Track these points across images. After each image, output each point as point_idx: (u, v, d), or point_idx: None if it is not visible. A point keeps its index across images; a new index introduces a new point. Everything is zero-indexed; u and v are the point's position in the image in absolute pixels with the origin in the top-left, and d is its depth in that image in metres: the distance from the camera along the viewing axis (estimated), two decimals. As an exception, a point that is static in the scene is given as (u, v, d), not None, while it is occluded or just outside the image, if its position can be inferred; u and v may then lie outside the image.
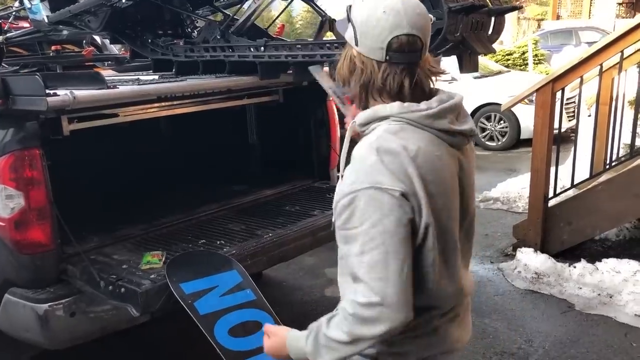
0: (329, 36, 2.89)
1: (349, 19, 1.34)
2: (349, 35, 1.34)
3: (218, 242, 2.62)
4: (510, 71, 10.70)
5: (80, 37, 4.24)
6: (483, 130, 8.82)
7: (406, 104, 1.32)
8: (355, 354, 1.31)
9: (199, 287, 2.22)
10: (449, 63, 2.43)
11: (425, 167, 1.28)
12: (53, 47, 4.00)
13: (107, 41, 4.36)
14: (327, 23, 2.87)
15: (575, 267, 4.01)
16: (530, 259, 4.20)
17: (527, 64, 13.16)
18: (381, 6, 1.29)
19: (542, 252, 4.25)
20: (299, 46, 2.46)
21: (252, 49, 2.63)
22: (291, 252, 2.72)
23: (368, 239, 1.23)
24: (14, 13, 3.55)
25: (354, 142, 1.45)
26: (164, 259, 2.40)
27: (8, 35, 3.43)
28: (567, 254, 4.30)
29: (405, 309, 1.24)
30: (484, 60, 10.98)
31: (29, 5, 3.24)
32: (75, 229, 2.50)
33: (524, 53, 13.53)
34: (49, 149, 2.45)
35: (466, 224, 1.46)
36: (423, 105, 1.32)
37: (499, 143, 8.68)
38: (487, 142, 8.79)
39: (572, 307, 3.70)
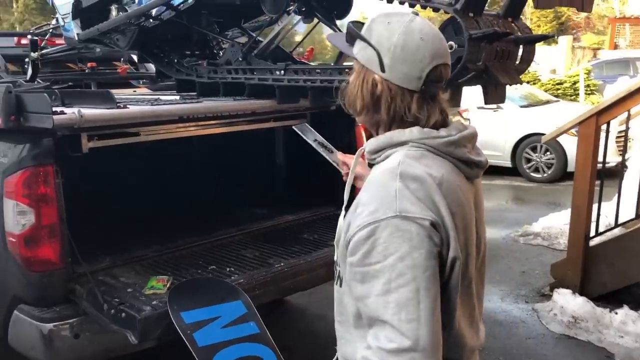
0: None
1: (363, 40, 1.22)
2: (367, 59, 1.22)
3: (228, 269, 2.54)
4: (559, 101, 10.37)
5: (116, 55, 4.30)
6: (528, 161, 8.53)
7: (425, 129, 1.21)
8: None
9: (200, 316, 2.15)
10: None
11: (450, 197, 1.17)
12: (89, 64, 4.07)
13: (142, 60, 4.40)
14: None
15: (617, 313, 3.74)
16: (568, 301, 3.95)
17: (578, 94, 12.74)
18: (416, 31, 1.18)
19: (581, 294, 3.99)
20: (319, 71, 2.38)
21: (272, 72, 2.56)
22: (304, 283, 2.61)
23: (395, 275, 1.10)
24: (50, 30, 3.63)
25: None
26: (168, 284, 2.34)
27: (44, 51, 3.50)
28: (609, 299, 4.02)
29: (439, 354, 1.11)
30: (532, 89, 10.70)
31: (62, 23, 3.30)
32: (90, 248, 2.48)
33: (575, 83, 13.12)
34: (66, 166, 2.44)
35: (478, 264, 1.31)
36: (443, 132, 1.22)
37: (545, 175, 8.36)
38: (532, 174, 8.49)
39: (612, 356, 3.44)
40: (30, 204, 2.34)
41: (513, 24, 1.98)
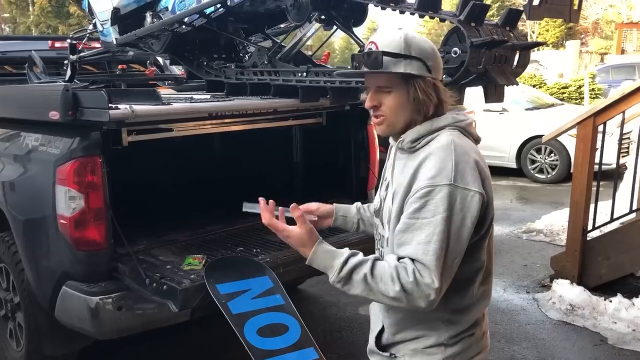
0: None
1: (406, 57, 1.46)
2: (417, 68, 1.47)
3: (254, 250, 2.81)
4: (564, 104, 10.59)
5: (144, 58, 4.60)
6: (533, 162, 8.76)
7: (454, 115, 1.52)
8: (381, 301, 1.43)
9: (233, 289, 2.41)
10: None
11: (484, 168, 1.48)
12: (120, 66, 4.37)
13: (167, 62, 4.70)
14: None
15: (611, 301, 3.99)
16: (566, 291, 4.20)
17: (583, 97, 12.95)
18: (424, 37, 1.53)
19: (579, 284, 4.25)
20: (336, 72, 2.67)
21: (295, 74, 2.85)
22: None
23: (438, 230, 1.37)
24: (88, 35, 3.93)
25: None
26: (203, 261, 2.62)
27: (81, 54, 3.79)
28: (605, 288, 4.27)
29: (438, 298, 1.39)
30: (537, 93, 10.93)
31: (101, 29, 3.59)
32: (128, 232, 2.74)
33: (580, 87, 13.34)
34: (110, 157, 2.72)
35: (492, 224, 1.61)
36: (462, 116, 1.54)
37: (549, 176, 8.59)
38: (536, 175, 8.72)
39: (605, 340, 3.69)
40: (80, 190, 2.60)
41: (510, 33, 2.25)
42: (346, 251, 1.47)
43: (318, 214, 1.81)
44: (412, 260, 1.39)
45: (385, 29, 1.59)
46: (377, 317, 1.66)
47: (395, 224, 1.48)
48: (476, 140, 1.55)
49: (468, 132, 1.52)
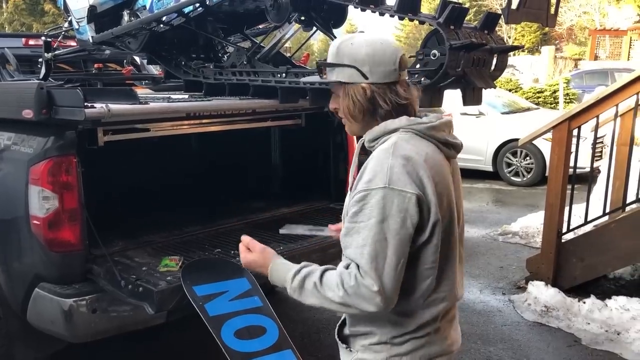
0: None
1: (337, 65, 1.50)
2: (349, 76, 1.49)
3: (232, 252, 2.78)
4: (539, 109, 10.76)
5: (121, 57, 4.54)
6: (509, 165, 8.87)
7: (412, 117, 1.52)
8: (333, 309, 1.45)
9: (210, 290, 2.38)
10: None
11: (434, 170, 1.46)
12: (96, 65, 4.30)
13: (145, 61, 4.65)
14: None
15: (584, 302, 4.05)
16: (541, 292, 4.26)
17: (557, 102, 13.17)
18: (375, 40, 1.50)
19: (554, 286, 4.30)
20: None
21: (274, 75, 2.84)
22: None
23: (372, 234, 1.39)
24: (63, 33, 3.86)
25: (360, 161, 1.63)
26: (180, 263, 2.59)
27: (56, 52, 3.73)
28: (579, 290, 4.34)
29: (390, 299, 1.41)
30: (513, 97, 11.07)
31: (76, 27, 3.54)
32: (103, 233, 2.70)
33: (555, 92, 13.56)
34: (85, 158, 2.67)
35: (459, 229, 1.60)
36: (425, 119, 1.53)
37: (524, 179, 8.71)
38: (512, 178, 8.83)
39: (579, 341, 3.74)
40: (54, 190, 2.55)
41: (489, 36, 2.27)
42: (301, 264, 1.53)
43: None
44: (357, 265, 1.40)
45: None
46: None
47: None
48: (444, 143, 1.53)
49: (428, 135, 1.51)
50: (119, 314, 2.62)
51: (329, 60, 1.52)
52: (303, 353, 2.34)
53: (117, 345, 3.33)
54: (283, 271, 1.55)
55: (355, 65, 1.48)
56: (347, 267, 1.43)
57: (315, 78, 1.61)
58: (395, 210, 1.39)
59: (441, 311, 1.55)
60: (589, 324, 3.88)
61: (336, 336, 1.68)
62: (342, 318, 1.67)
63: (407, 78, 1.55)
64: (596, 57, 24.22)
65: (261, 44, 3.13)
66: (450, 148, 1.55)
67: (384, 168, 1.41)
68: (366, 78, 1.48)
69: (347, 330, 1.64)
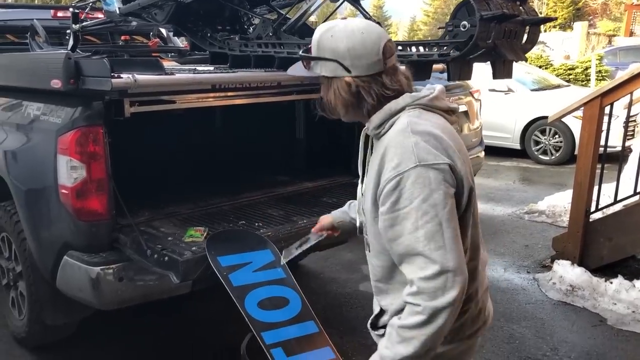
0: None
1: (318, 59, 1.46)
2: (331, 70, 1.45)
3: (256, 224, 2.81)
4: (570, 86, 10.50)
5: (147, 29, 4.54)
6: (537, 143, 8.72)
7: (413, 94, 1.49)
8: (434, 335, 1.33)
9: (234, 261, 2.41)
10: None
11: (452, 139, 1.44)
12: (123, 37, 4.31)
13: (171, 34, 4.65)
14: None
15: (611, 282, 4.00)
16: (567, 272, 4.21)
17: (589, 79, 12.84)
18: (355, 30, 1.44)
19: (580, 265, 4.25)
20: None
21: (300, 47, 2.80)
22: (324, 240, 2.85)
23: (421, 214, 1.33)
24: (90, 4, 3.87)
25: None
26: (205, 234, 2.61)
27: (84, 24, 3.74)
28: (606, 270, 4.27)
29: (465, 272, 1.35)
30: (543, 74, 10.83)
31: (104, -2, 3.54)
32: (130, 203, 2.73)
33: (586, 69, 13.21)
34: (112, 129, 2.69)
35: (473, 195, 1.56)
36: (424, 91, 1.50)
37: (553, 157, 8.57)
38: (540, 156, 8.70)
39: (604, 321, 3.70)
40: (82, 160, 2.59)
41: (521, 7, 2.21)
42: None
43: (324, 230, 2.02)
44: (415, 256, 1.35)
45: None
46: (375, 302, 1.64)
47: (373, 224, 1.47)
48: (446, 111, 1.51)
49: (433, 106, 1.48)
50: (144, 282, 2.66)
51: (312, 53, 1.48)
52: (325, 326, 2.36)
53: (143, 315, 3.40)
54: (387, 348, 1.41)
55: (337, 59, 1.44)
56: (408, 296, 1.36)
57: (301, 70, 1.54)
58: (435, 184, 1.34)
59: (481, 281, 1.55)
60: (615, 304, 3.83)
61: (371, 329, 1.62)
62: (376, 313, 1.61)
63: (395, 66, 1.49)
64: (632, 33, 23.50)
65: (287, 16, 3.09)
66: (452, 114, 1.54)
67: (408, 148, 1.37)
68: (349, 72, 1.44)
69: (386, 318, 1.56)
